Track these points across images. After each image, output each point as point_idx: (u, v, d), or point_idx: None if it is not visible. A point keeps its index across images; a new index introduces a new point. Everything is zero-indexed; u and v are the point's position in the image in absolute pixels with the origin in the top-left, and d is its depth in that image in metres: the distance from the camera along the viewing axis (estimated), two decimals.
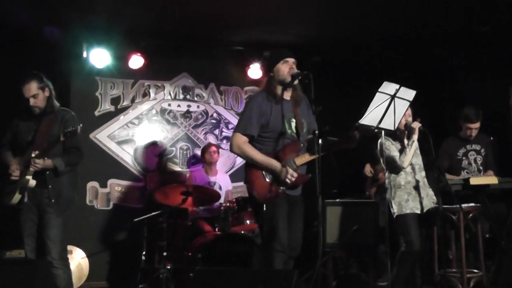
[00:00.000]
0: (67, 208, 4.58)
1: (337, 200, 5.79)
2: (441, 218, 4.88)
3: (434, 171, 4.93)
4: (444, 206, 4.87)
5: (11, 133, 4.63)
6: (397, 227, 4.91)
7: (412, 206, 4.84)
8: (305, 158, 4.05)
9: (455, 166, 5.67)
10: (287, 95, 4.18)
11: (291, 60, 4.13)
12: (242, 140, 4.05)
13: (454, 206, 4.87)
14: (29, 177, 4.40)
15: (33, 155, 4.36)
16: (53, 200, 4.43)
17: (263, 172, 4.00)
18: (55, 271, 4.40)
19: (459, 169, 5.66)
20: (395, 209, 4.88)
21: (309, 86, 3.92)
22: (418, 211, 4.85)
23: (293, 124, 4.10)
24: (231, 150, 4.12)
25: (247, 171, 4.09)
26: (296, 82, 4.11)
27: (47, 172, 4.44)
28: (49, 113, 4.57)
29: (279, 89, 4.13)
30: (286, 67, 4.09)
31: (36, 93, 4.51)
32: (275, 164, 3.96)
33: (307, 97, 4.12)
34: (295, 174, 3.95)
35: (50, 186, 4.45)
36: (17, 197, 4.41)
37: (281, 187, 3.96)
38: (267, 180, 3.98)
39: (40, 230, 4.46)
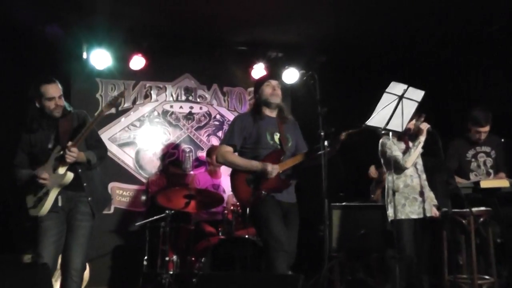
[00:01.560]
0: (102, 209, 4.52)
1: (343, 203, 5.78)
2: (451, 222, 4.86)
3: (443, 174, 4.91)
4: (453, 210, 4.85)
5: (24, 151, 4.36)
6: (391, 231, 4.89)
7: (408, 211, 4.81)
8: (288, 163, 4.34)
9: (463, 168, 5.64)
10: (273, 114, 4.56)
11: (273, 82, 4.54)
12: (225, 149, 4.45)
13: (464, 210, 4.84)
14: (62, 172, 4.18)
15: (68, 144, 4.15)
16: (90, 199, 4.29)
17: (246, 178, 4.30)
18: (70, 284, 4.19)
19: (467, 171, 5.61)
20: (390, 213, 4.86)
21: (314, 87, 3.94)
22: (415, 216, 4.81)
23: (277, 137, 4.43)
24: (217, 160, 4.56)
25: (232, 178, 4.42)
26: (279, 102, 4.52)
27: (80, 170, 4.28)
28: (64, 116, 4.39)
29: (264, 109, 4.53)
30: (270, 89, 4.51)
31: (61, 94, 4.36)
32: (256, 163, 4.31)
33: (313, 97, 4.13)
34: (276, 167, 4.25)
35: (85, 184, 4.31)
36: (46, 207, 4.18)
37: (263, 192, 4.22)
38: (249, 186, 4.27)
39: (65, 239, 4.25)
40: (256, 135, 4.41)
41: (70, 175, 4.18)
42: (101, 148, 4.48)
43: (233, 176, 4.43)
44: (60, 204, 4.25)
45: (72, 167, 4.22)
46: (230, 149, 4.44)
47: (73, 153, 4.13)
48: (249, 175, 4.31)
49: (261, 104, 4.53)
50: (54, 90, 4.30)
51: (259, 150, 4.38)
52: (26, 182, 4.29)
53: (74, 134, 4.26)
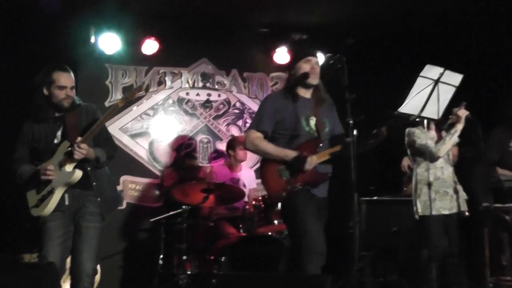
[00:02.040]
0: (111, 211, 4.48)
1: (373, 197, 5.75)
2: (493, 218, 4.81)
3: (483, 165, 4.86)
4: (495, 205, 4.80)
5: (25, 145, 4.32)
6: (419, 228, 4.85)
7: (438, 207, 4.77)
8: (326, 153, 4.16)
9: (506, 159, 5.57)
10: (307, 94, 4.34)
11: (314, 60, 4.29)
12: (255, 135, 4.25)
13: (507, 205, 4.79)
14: (69, 169, 4.13)
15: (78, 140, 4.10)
16: (99, 199, 4.25)
17: (278, 169, 4.12)
18: None
19: (511, 163, 5.55)
20: (419, 209, 4.83)
21: (341, 71, 3.91)
22: (446, 211, 4.77)
23: (312, 123, 4.23)
24: (245, 147, 4.40)
25: (262, 168, 4.27)
26: (318, 82, 4.27)
27: (88, 169, 4.23)
28: (72, 109, 4.35)
29: (298, 88, 4.31)
30: (308, 67, 4.25)
31: (74, 86, 4.32)
32: (290, 153, 4.10)
33: (340, 82, 4.11)
34: (314, 158, 4.06)
35: (94, 184, 4.26)
36: (50, 206, 4.13)
37: (298, 185, 4.05)
38: (283, 178, 4.09)
39: (73, 241, 4.22)
40: (290, 120, 4.21)
41: (79, 173, 4.12)
42: (110, 146, 4.44)
43: (263, 166, 4.28)
44: (66, 202, 4.21)
45: (80, 164, 4.17)
46: (260, 135, 4.25)
47: (83, 150, 4.06)
48: (281, 165, 4.12)
49: (296, 83, 4.31)
50: (67, 79, 4.27)
51: (293, 138, 4.19)
52: (28, 178, 4.25)
53: (83, 129, 4.23)
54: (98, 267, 6.08)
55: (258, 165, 7.40)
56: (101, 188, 4.31)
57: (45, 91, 4.26)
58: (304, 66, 4.26)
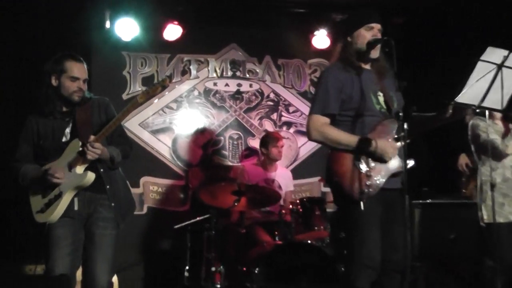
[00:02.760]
0: (127, 216, 4.44)
1: (427, 200, 5.69)
2: None
3: None
4: None
5: (29, 142, 4.28)
6: (484, 236, 4.78)
7: (507, 213, 4.70)
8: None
9: None
10: (367, 65, 4.14)
11: (377, 27, 4.07)
12: (321, 121, 4.00)
13: None
14: (80, 171, 4.09)
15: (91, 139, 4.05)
16: (113, 204, 4.22)
17: (355, 161, 3.88)
18: None
19: None
20: (484, 215, 4.76)
21: (390, 56, 3.87)
22: None
23: (381, 99, 4.04)
24: (310, 138, 4.07)
25: (333, 161, 3.98)
26: (376, 54, 4.06)
27: (101, 170, 4.24)
28: (83, 104, 4.30)
29: (356, 60, 4.08)
30: (369, 34, 4.04)
31: (87, 79, 4.30)
32: (367, 140, 3.85)
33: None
34: (394, 145, 3.85)
35: (108, 187, 4.22)
36: (58, 211, 4.09)
37: (380, 178, 3.87)
38: (362, 169, 3.87)
39: (85, 251, 4.20)
40: (358, 97, 3.97)
41: (91, 176, 4.09)
42: (125, 144, 4.40)
43: (336, 157, 3.97)
44: (76, 208, 4.17)
45: (92, 165, 4.13)
46: (327, 120, 3.99)
47: (97, 150, 4.02)
48: (357, 156, 3.88)
49: (353, 54, 4.07)
50: (81, 70, 4.25)
51: (363, 120, 3.96)
52: (32, 179, 4.20)
53: (95, 126, 4.21)
54: (115, 279, 6.18)
55: (295, 164, 7.42)
56: (115, 192, 4.27)
57: (54, 81, 4.23)
58: (366, 34, 4.03)
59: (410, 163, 3.91)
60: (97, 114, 4.32)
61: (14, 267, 5.59)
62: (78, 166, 4.09)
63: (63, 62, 4.22)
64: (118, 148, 4.27)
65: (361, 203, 3.81)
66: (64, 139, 4.23)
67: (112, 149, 4.21)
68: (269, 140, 6.60)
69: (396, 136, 3.90)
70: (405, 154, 3.67)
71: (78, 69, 4.23)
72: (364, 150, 3.83)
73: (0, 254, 5.97)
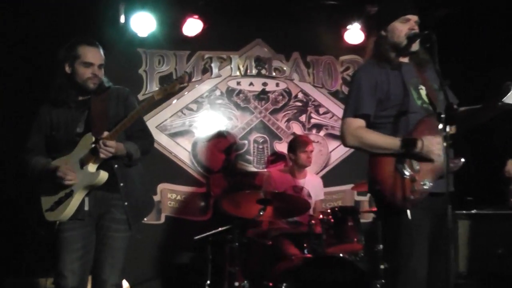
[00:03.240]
0: (142, 218, 4.51)
1: (472, 211, 5.63)
2: None
3: None
4: None
5: (41, 132, 4.33)
6: None
7: None
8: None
9: None
10: (405, 59, 4.09)
11: (413, 19, 4.03)
12: (356, 124, 3.96)
13: None
14: (92, 169, 4.12)
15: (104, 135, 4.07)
16: (126, 203, 4.24)
17: (398, 165, 3.83)
18: None
19: None
20: None
21: (432, 51, 3.82)
22: None
23: (423, 92, 3.98)
24: (345, 143, 4.03)
25: (373, 167, 3.94)
26: (416, 47, 4.00)
27: (116, 166, 4.24)
28: (100, 92, 4.34)
29: (393, 54, 4.04)
30: (406, 27, 3.99)
31: (103, 64, 4.34)
32: (413, 141, 3.77)
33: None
34: (439, 141, 3.69)
35: (121, 184, 4.24)
36: (69, 211, 4.12)
37: (426, 182, 3.77)
38: (406, 174, 3.80)
39: (95, 253, 4.23)
40: (396, 93, 3.92)
41: (104, 175, 4.12)
42: (145, 139, 4.41)
43: (376, 162, 3.92)
44: (86, 208, 4.20)
45: (106, 162, 4.16)
46: (362, 122, 3.96)
47: (110, 148, 4.05)
48: (399, 160, 3.82)
49: (388, 49, 4.05)
50: (95, 55, 4.29)
51: (404, 119, 3.90)
52: (41, 173, 4.23)
53: (112, 119, 4.22)
54: (125, 284, 6.17)
55: (326, 170, 7.38)
56: (130, 190, 4.29)
57: (67, 68, 4.27)
58: (401, 28, 4.00)
59: (459, 162, 3.80)
60: (114, 105, 4.35)
61: (28, 280, 5.65)
62: (90, 164, 4.13)
63: (76, 47, 4.27)
64: (137, 144, 4.28)
65: (408, 212, 3.74)
66: (78, 130, 4.25)
67: (130, 145, 4.22)
68: (297, 144, 6.57)
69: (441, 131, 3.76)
70: (447, 163, 3.61)
71: (92, 54, 4.28)
72: (409, 152, 3.76)
73: (11, 267, 6.05)
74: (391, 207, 3.80)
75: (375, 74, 3.98)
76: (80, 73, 4.25)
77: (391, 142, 3.81)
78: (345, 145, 4.04)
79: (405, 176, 3.79)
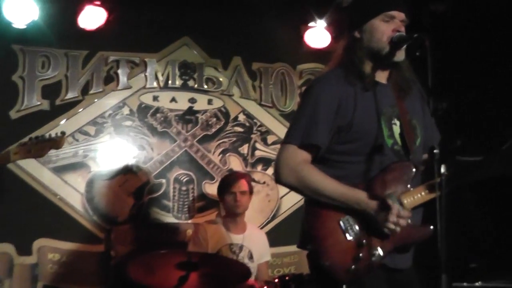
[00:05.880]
0: None
1: (475, 284, 5.76)
2: None
3: None
4: None
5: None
6: None
7: None
8: (422, 195, 3.92)
9: None
10: (383, 77, 4.13)
11: (399, 17, 4.05)
12: (299, 157, 3.99)
13: None
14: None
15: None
16: None
17: (341, 223, 3.89)
18: None
19: None
20: None
21: (423, 62, 3.90)
22: None
23: (396, 130, 4.04)
24: (278, 178, 4.09)
25: (310, 219, 4.00)
26: (401, 57, 4.04)
27: None
28: None
29: (368, 65, 4.08)
30: (389, 28, 4.01)
31: None
32: (364, 198, 3.84)
33: (421, 79, 4.09)
34: (406, 214, 3.79)
35: None
36: None
37: (376, 252, 3.84)
38: (349, 237, 3.88)
39: None
40: (362, 124, 3.93)
41: None
42: None
43: (314, 213, 3.97)
44: None
45: None
46: (306, 155, 3.99)
47: None
48: (345, 215, 3.88)
49: (363, 57, 4.06)
50: None
51: (368, 160, 3.93)
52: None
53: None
54: None
55: (274, 222, 7.45)
56: None
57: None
58: (383, 28, 4.00)
59: (426, 232, 3.90)
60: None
61: None
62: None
63: None
64: None
65: (344, 287, 3.80)
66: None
67: None
68: (225, 183, 6.66)
69: (415, 187, 3.90)
70: (440, 213, 3.69)
71: None
72: (378, 217, 3.80)
73: None
74: (327, 276, 3.83)
75: (339, 91, 3.99)
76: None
77: (348, 194, 3.84)
78: (277, 180, 4.09)
79: (349, 238, 3.86)
